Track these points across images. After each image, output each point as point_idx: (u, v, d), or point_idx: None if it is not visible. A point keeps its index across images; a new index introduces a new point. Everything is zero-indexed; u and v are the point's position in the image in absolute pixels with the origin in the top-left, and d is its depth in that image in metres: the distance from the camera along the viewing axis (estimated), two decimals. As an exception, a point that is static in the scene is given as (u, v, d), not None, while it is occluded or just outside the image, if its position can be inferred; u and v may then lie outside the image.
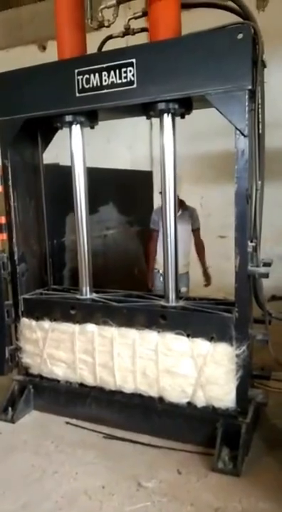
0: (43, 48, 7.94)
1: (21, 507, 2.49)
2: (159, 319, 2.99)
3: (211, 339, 2.82)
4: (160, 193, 4.43)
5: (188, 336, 2.89)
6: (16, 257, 3.43)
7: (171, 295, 3.13)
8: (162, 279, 4.32)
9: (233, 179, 2.69)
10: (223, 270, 6.61)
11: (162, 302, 3.15)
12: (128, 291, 3.45)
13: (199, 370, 2.85)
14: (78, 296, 3.42)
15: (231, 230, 5.95)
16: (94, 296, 3.40)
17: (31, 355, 3.44)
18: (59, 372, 3.34)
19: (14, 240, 3.42)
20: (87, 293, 3.42)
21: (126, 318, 3.09)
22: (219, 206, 6.77)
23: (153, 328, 2.99)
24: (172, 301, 3.12)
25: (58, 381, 3.39)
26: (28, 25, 7.98)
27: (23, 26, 8.03)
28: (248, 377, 2.85)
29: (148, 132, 7.07)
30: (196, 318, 2.93)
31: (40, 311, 3.40)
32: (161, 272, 4.29)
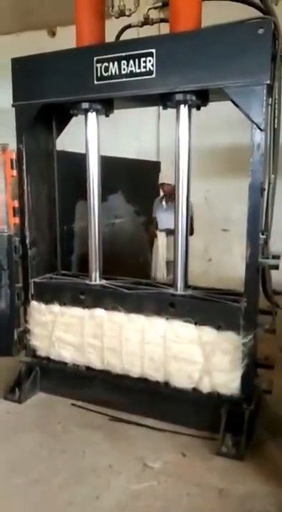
0: (53, 34, 7.89)
1: (31, 483, 2.57)
2: (168, 307, 3.05)
3: (218, 328, 2.89)
4: (161, 184, 4.55)
5: (196, 323, 2.96)
6: (27, 241, 3.48)
7: (180, 284, 3.19)
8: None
9: (247, 173, 2.74)
10: (224, 263, 6.74)
11: (171, 290, 3.22)
12: (136, 279, 3.51)
13: (205, 357, 2.92)
14: (88, 282, 3.48)
15: (234, 224, 6.07)
16: (103, 282, 3.46)
17: (40, 338, 3.51)
18: (67, 355, 3.40)
19: (26, 224, 3.47)
20: (96, 279, 3.48)
21: (135, 305, 3.15)
22: (223, 200, 6.85)
23: (162, 315, 3.05)
24: (181, 290, 3.18)
25: (65, 364, 3.46)
26: (37, 11, 7.92)
27: (33, 11, 7.97)
28: (254, 365, 2.93)
29: (155, 123, 7.09)
30: (205, 307, 3.00)
31: (50, 294, 3.46)
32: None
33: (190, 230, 4.47)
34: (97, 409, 3.31)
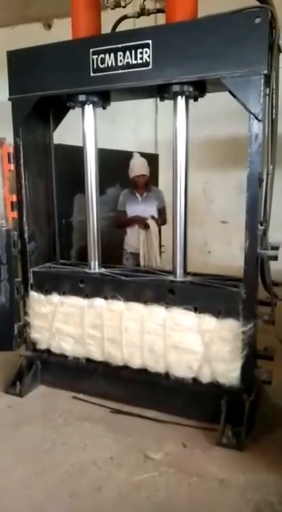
0: (49, 27, 7.84)
1: (34, 475, 2.58)
2: (167, 293, 3.05)
3: (218, 314, 2.90)
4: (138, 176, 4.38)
5: (195, 309, 2.96)
6: (26, 235, 3.48)
7: (179, 270, 3.19)
8: (129, 259, 4.50)
9: (245, 164, 2.73)
10: (224, 255, 6.75)
11: (170, 277, 3.22)
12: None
13: (205, 346, 2.94)
14: (87, 270, 3.48)
15: (232, 216, 6.04)
16: (103, 270, 3.46)
17: (40, 330, 3.52)
18: (67, 347, 3.42)
19: (24, 218, 3.46)
20: (95, 267, 3.48)
21: (134, 292, 3.15)
22: (222, 192, 6.85)
23: (161, 303, 3.05)
24: (180, 276, 3.18)
25: (66, 357, 3.47)
26: (33, 3, 7.85)
27: (29, 4, 7.89)
28: (254, 355, 2.94)
29: (153, 115, 7.07)
30: (204, 293, 3.00)
31: (49, 284, 3.46)
32: (129, 251, 4.50)
33: (163, 220, 4.55)
34: (98, 401, 3.32)
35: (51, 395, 3.47)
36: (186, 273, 3.22)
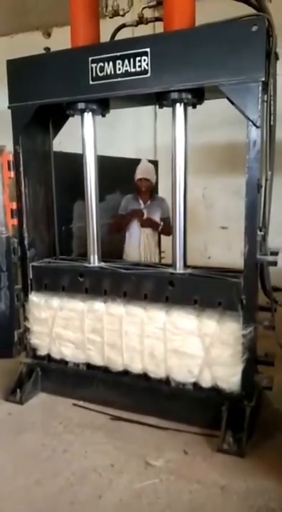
0: (48, 35, 7.91)
1: (34, 483, 2.57)
2: (167, 286, 3.05)
3: (218, 304, 2.90)
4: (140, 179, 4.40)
5: (195, 301, 2.96)
6: (26, 243, 3.49)
7: (179, 263, 3.19)
8: None
9: (244, 170, 2.75)
10: (224, 260, 6.75)
11: (170, 270, 3.22)
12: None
13: (205, 350, 2.94)
14: (86, 265, 3.48)
15: (232, 221, 6.06)
16: (102, 264, 3.46)
17: (40, 336, 3.51)
18: (67, 352, 3.42)
19: (24, 225, 3.48)
20: (95, 261, 3.47)
21: (134, 285, 3.15)
22: (221, 197, 6.87)
23: (161, 295, 3.05)
24: (180, 269, 3.19)
25: (66, 363, 3.47)
26: (32, 12, 7.93)
27: (28, 12, 7.97)
28: (254, 361, 2.94)
29: (152, 122, 7.11)
30: (204, 284, 2.99)
31: (48, 278, 3.46)
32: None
33: (166, 231, 4.48)
34: (98, 408, 3.31)
35: (51, 402, 3.46)
36: (186, 266, 3.22)
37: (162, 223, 4.51)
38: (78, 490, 2.51)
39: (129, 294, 3.17)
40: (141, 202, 4.50)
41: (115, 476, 2.61)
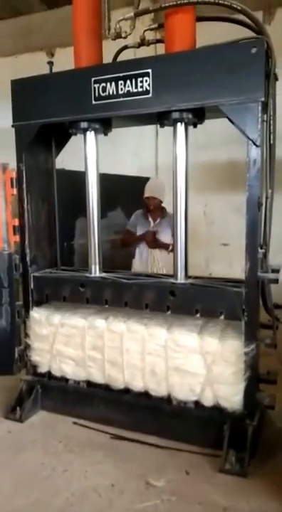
0: (51, 55, 8.06)
1: (33, 503, 2.53)
2: (168, 296, 3.05)
3: (219, 314, 2.91)
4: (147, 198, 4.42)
5: (196, 311, 2.95)
6: (27, 259, 3.50)
7: (180, 273, 3.20)
8: None
9: (245, 187, 2.77)
10: (226, 276, 6.74)
11: (172, 280, 3.22)
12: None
13: (207, 368, 2.92)
14: (88, 275, 3.48)
15: (233, 238, 6.07)
16: (103, 275, 3.46)
17: (40, 353, 3.49)
18: (68, 369, 3.39)
19: (26, 242, 3.49)
20: (96, 272, 3.47)
21: (135, 295, 3.15)
22: (222, 214, 6.90)
23: (162, 305, 3.06)
24: (181, 279, 3.19)
25: (66, 381, 3.45)
26: (37, 33, 8.12)
27: (32, 33, 8.16)
28: (256, 379, 2.91)
29: (154, 140, 7.19)
30: (206, 294, 2.99)
31: (49, 288, 3.46)
32: None
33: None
34: (98, 427, 3.28)
35: (51, 420, 3.43)
36: (187, 276, 3.22)
37: (171, 244, 4.50)
38: (78, 510, 2.47)
39: (131, 303, 3.17)
40: (150, 220, 4.48)
41: (115, 496, 2.57)
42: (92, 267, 3.48)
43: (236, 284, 2.93)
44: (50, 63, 3.36)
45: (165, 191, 4.41)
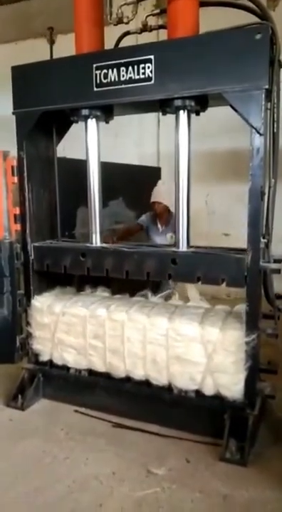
0: (52, 42, 7.95)
1: (34, 490, 2.56)
2: (169, 264, 3.04)
3: (221, 281, 2.89)
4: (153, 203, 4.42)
5: (198, 279, 2.94)
6: (29, 248, 3.49)
7: (182, 243, 3.18)
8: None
9: (247, 177, 2.75)
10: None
11: (173, 248, 3.21)
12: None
13: (208, 357, 2.92)
14: (88, 245, 3.45)
15: (235, 228, 6.05)
16: (104, 245, 3.44)
17: (42, 341, 3.50)
18: (69, 358, 3.40)
19: (28, 230, 3.47)
20: (97, 242, 3.44)
21: (136, 264, 3.13)
22: (224, 204, 6.86)
23: (164, 274, 3.05)
24: (183, 248, 3.18)
25: (68, 369, 3.46)
26: (37, 19, 7.99)
27: (33, 19, 8.04)
28: (257, 369, 2.92)
29: (155, 129, 7.12)
30: (207, 261, 2.97)
31: (50, 259, 3.43)
32: None
33: None
34: (100, 415, 3.30)
35: (53, 408, 3.45)
36: (189, 246, 3.21)
37: None
38: (79, 498, 2.49)
39: (132, 272, 3.14)
40: (159, 226, 4.53)
41: (116, 484, 2.59)
42: (93, 236, 3.44)
43: (239, 252, 2.91)
44: (51, 41, 3.29)
45: (171, 196, 4.43)
